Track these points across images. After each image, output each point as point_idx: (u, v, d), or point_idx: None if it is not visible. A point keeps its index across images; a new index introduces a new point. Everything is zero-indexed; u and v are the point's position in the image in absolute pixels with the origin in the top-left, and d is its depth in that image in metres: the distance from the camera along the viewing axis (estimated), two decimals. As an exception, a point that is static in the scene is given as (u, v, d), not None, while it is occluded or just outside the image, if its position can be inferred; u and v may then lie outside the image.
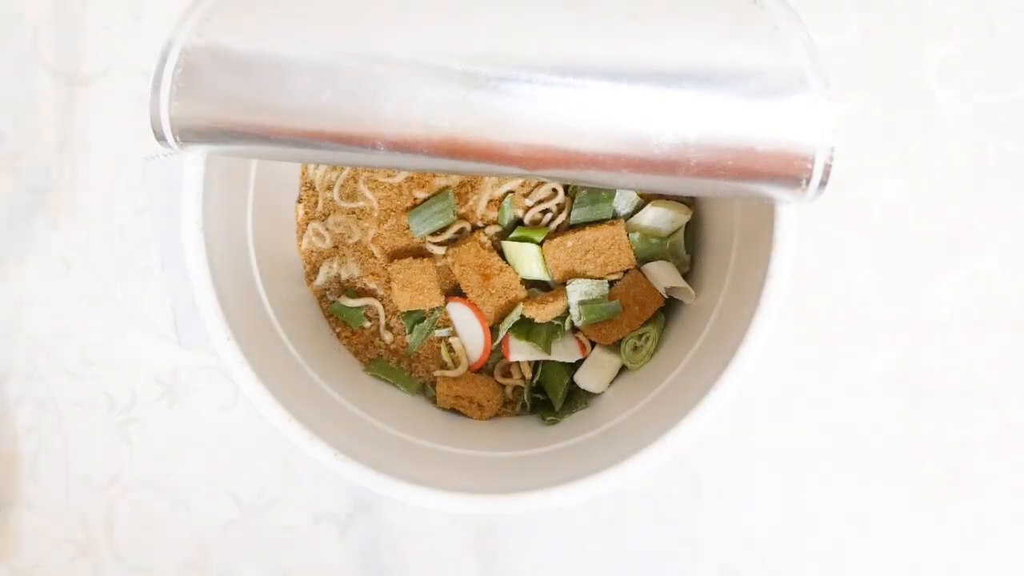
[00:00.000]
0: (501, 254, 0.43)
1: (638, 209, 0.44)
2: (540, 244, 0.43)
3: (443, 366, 0.45)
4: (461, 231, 0.44)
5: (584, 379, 0.44)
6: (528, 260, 0.43)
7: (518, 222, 0.44)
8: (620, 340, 0.44)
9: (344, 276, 0.45)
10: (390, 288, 0.44)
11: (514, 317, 0.43)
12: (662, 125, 0.28)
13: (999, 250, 0.48)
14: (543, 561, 0.49)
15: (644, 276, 0.43)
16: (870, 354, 0.49)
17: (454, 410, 0.45)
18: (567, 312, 0.43)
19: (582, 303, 0.42)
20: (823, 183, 0.28)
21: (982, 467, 0.49)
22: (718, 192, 0.30)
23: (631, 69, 0.28)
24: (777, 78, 0.28)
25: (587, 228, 0.43)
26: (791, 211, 0.33)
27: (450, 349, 0.45)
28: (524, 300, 0.43)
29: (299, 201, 0.45)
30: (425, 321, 0.44)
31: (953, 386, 0.49)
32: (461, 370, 0.44)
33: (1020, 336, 0.49)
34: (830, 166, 0.28)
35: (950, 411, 0.49)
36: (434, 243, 0.44)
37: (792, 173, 0.28)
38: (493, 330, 0.44)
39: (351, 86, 0.29)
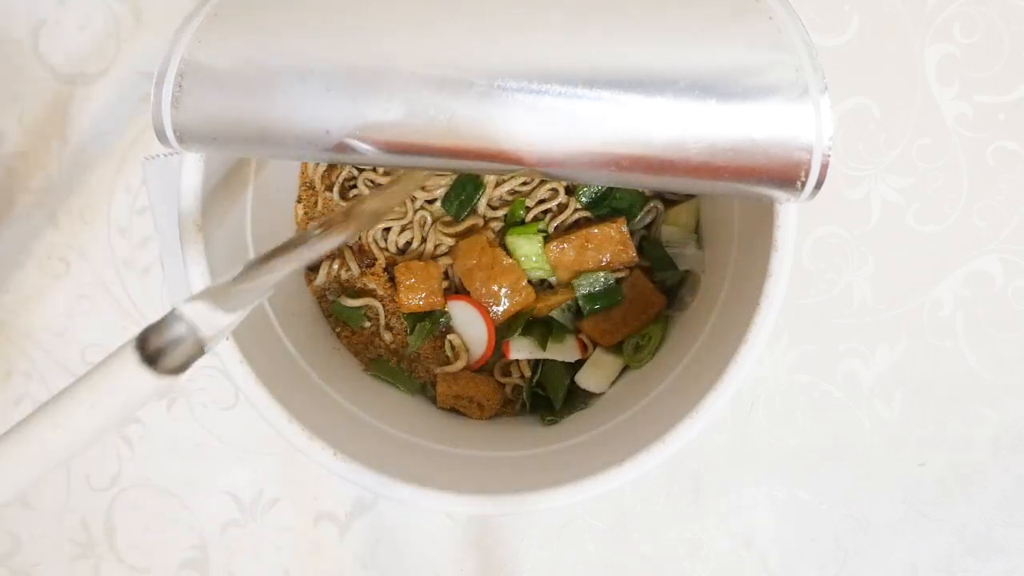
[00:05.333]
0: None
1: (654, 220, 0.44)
2: (544, 242, 0.43)
3: (444, 362, 0.45)
4: (472, 227, 0.44)
5: (585, 379, 0.44)
6: (531, 256, 0.43)
7: (518, 222, 0.44)
8: (622, 341, 0.44)
9: (344, 276, 0.45)
10: (390, 288, 0.44)
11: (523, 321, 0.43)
12: (660, 124, 0.28)
13: (999, 250, 0.48)
14: (543, 561, 0.49)
15: (647, 278, 0.43)
16: (870, 354, 0.49)
17: (454, 410, 0.45)
18: (566, 308, 0.43)
19: (587, 296, 0.43)
20: (820, 183, 0.28)
21: (982, 467, 0.49)
22: (715, 191, 0.30)
23: (629, 70, 0.28)
24: (775, 77, 0.28)
25: (589, 226, 0.43)
26: (791, 211, 0.33)
27: (450, 346, 0.45)
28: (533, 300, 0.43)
29: (299, 201, 0.45)
30: (426, 321, 0.44)
31: (953, 386, 0.49)
32: (460, 364, 0.44)
33: (1020, 336, 0.48)
34: (827, 165, 0.28)
35: (950, 411, 0.49)
36: (445, 233, 0.44)
37: (789, 172, 0.28)
38: (498, 330, 0.44)
39: (349, 89, 0.29)
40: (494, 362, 0.45)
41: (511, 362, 0.45)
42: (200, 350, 0.26)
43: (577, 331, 0.45)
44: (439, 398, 0.44)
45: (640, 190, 0.44)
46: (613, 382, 0.44)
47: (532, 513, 0.49)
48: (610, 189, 0.43)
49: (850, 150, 0.48)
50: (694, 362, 0.39)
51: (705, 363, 0.37)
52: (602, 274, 0.43)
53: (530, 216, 0.44)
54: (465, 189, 0.43)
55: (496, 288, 0.43)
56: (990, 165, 0.48)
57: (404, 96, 0.29)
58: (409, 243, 0.45)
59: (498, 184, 0.43)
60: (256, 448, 0.49)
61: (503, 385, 0.45)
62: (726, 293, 0.39)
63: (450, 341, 0.44)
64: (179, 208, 0.34)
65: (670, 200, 0.45)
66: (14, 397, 0.49)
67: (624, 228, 0.43)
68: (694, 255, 0.43)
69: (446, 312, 0.44)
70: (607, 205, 0.44)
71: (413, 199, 0.44)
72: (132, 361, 0.24)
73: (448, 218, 0.44)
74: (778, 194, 0.29)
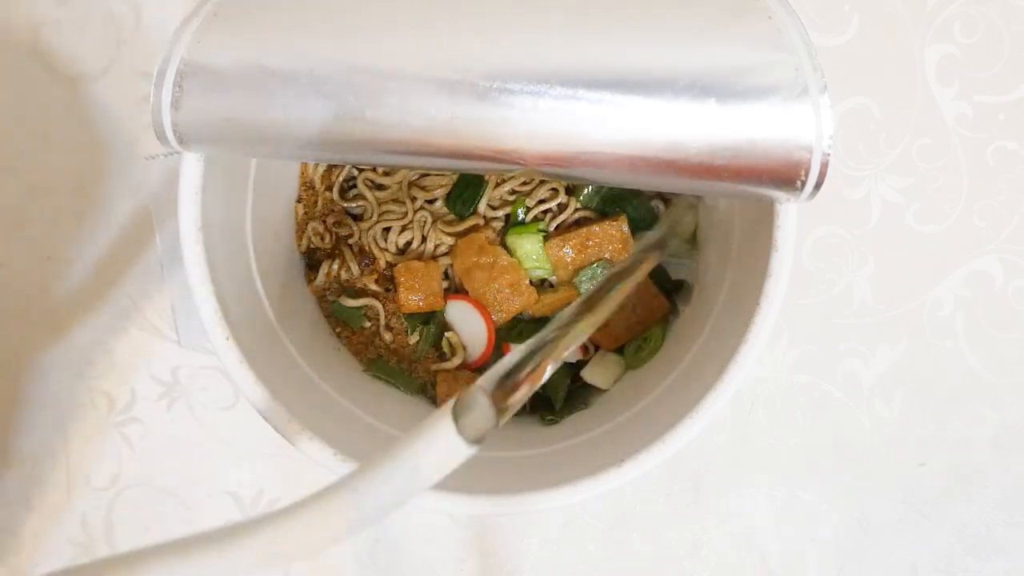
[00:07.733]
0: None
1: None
2: (545, 241, 0.43)
3: (442, 360, 0.45)
4: (473, 227, 0.44)
5: (591, 375, 0.44)
6: (532, 255, 0.43)
7: (519, 222, 0.44)
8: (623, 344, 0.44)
9: (344, 276, 0.45)
10: (390, 288, 0.44)
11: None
12: (660, 125, 0.28)
13: (999, 250, 0.48)
14: (543, 561, 0.49)
15: (650, 282, 0.43)
16: (870, 354, 0.49)
17: (454, 410, 0.45)
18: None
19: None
20: (819, 183, 0.28)
21: (982, 467, 0.49)
22: (715, 191, 0.30)
23: (629, 70, 0.28)
24: (774, 76, 0.28)
25: (590, 224, 0.43)
26: (791, 211, 0.33)
27: (448, 343, 0.45)
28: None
29: (299, 201, 0.45)
30: (431, 324, 0.44)
31: (953, 386, 0.49)
32: (457, 361, 0.44)
33: (1020, 336, 0.48)
34: (827, 165, 0.28)
35: (950, 411, 0.49)
36: (445, 233, 0.44)
37: (789, 172, 0.28)
38: (499, 330, 0.44)
39: (349, 89, 0.29)
40: (494, 362, 0.45)
41: (511, 362, 0.45)
42: (494, 425, 0.27)
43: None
44: (439, 398, 0.44)
45: (641, 190, 0.44)
46: (618, 378, 0.44)
47: (532, 513, 0.49)
48: (611, 189, 0.43)
49: (850, 150, 0.48)
50: (694, 362, 0.39)
51: (705, 363, 0.37)
52: (599, 264, 0.43)
53: (530, 216, 0.44)
54: (469, 187, 0.43)
55: (496, 288, 0.43)
56: (990, 165, 0.48)
57: (404, 96, 0.29)
58: (409, 243, 0.44)
59: (498, 184, 0.43)
60: (256, 448, 0.49)
61: (503, 385, 0.45)
62: (726, 293, 0.39)
63: (448, 339, 0.44)
64: (179, 208, 0.34)
65: (670, 200, 0.45)
66: (14, 397, 0.49)
67: (625, 227, 0.43)
68: (688, 266, 0.43)
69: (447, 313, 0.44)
70: (609, 201, 0.44)
71: (413, 199, 0.44)
72: (451, 430, 0.26)
73: (449, 218, 0.44)
74: (778, 194, 0.29)
